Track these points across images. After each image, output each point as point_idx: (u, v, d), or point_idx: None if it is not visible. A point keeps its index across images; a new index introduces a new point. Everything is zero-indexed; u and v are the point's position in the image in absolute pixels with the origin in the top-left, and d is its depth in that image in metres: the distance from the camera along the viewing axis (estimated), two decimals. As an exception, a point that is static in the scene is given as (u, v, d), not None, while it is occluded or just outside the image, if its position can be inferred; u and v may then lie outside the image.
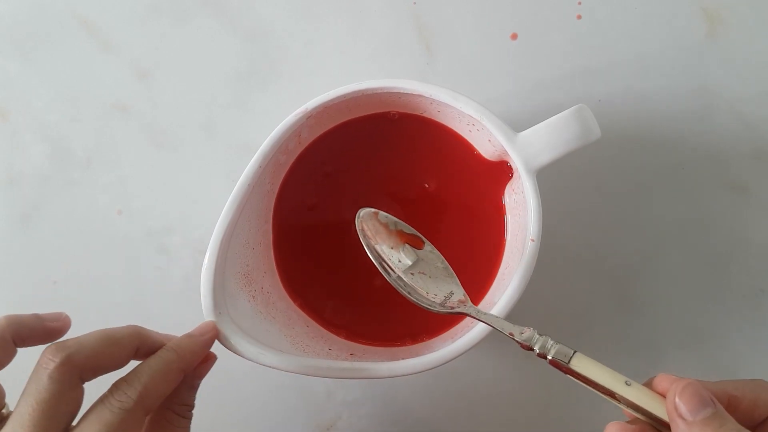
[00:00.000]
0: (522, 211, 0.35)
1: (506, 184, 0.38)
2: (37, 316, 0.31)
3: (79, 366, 0.27)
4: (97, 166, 0.45)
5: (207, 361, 0.32)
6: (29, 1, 0.46)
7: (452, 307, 0.32)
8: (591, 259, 0.43)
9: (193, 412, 0.32)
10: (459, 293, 0.33)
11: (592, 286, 0.43)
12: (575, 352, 0.28)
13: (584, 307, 0.43)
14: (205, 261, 0.33)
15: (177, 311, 0.44)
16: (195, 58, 0.45)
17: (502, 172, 0.38)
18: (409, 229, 0.34)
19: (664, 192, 0.43)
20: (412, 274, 0.33)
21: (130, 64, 0.45)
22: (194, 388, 0.32)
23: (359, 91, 0.35)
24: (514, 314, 0.32)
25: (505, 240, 0.38)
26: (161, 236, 0.44)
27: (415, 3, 0.44)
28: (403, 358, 0.33)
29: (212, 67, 0.45)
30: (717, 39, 0.43)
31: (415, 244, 0.34)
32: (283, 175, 0.39)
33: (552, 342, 0.29)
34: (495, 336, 0.32)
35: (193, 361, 0.31)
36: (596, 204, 0.43)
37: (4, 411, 0.29)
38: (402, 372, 0.32)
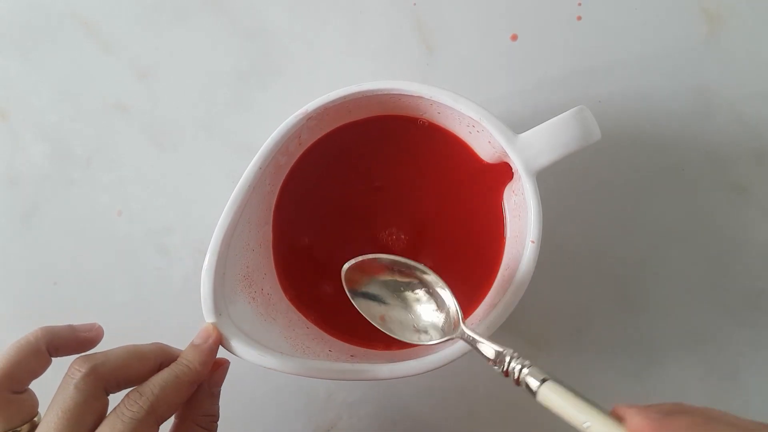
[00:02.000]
0: (522, 212, 0.35)
1: (506, 185, 0.38)
2: (70, 327, 0.32)
3: (104, 377, 0.29)
4: (97, 166, 0.45)
5: (219, 367, 0.33)
6: (29, 1, 0.46)
7: (446, 336, 0.32)
8: (591, 259, 0.43)
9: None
10: (451, 315, 0.33)
11: (592, 286, 0.43)
12: (544, 381, 0.27)
13: (584, 307, 0.43)
14: (206, 263, 0.33)
15: (177, 312, 0.44)
16: (195, 58, 0.45)
17: (502, 173, 0.37)
18: (398, 259, 0.34)
19: (664, 192, 0.43)
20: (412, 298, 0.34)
21: (130, 63, 0.45)
22: (215, 396, 0.33)
23: (360, 92, 0.35)
24: (514, 315, 0.32)
25: (505, 241, 0.38)
26: (161, 236, 0.44)
27: (415, 4, 0.44)
28: (403, 360, 0.33)
29: (212, 67, 0.45)
30: (717, 39, 0.43)
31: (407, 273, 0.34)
32: (283, 176, 0.39)
33: (526, 369, 0.28)
34: (496, 338, 0.32)
35: (203, 371, 0.31)
36: (596, 204, 0.43)
37: (36, 419, 0.30)
38: (402, 373, 0.32)
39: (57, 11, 0.46)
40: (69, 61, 0.46)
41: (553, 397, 0.26)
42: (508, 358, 0.28)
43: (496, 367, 0.29)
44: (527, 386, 0.27)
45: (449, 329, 0.32)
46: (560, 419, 0.42)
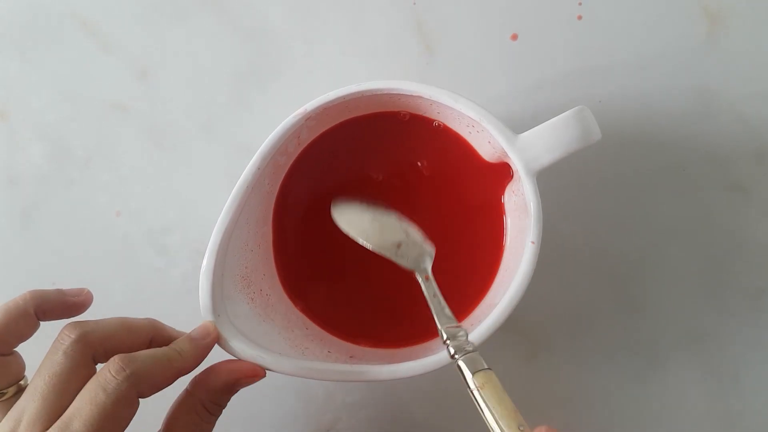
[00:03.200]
0: (522, 212, 0.35)
1: (506, 185, 0.38)
2: (59, 291, 0.32)
3: (93, 345, 0.29)
4: (97, 166, 0.45)
5: (255, 376, 0.32)
6: (29, 0, 0.46)
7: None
8: (591, 260, 0.43)
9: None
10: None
11: (592, 286, 0.43)
12: (487, 369, 0.27)
13: (584, 307, 0.43)
14: (204, 263, 0.33)
15: (176, 312, 0.43)
16: (194, 57, 0.45)
17: (502, 173, 0.37)
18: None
19: (665, 192, 0.43)
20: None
21: (129, 63, 0.45)
22: (232, 392, 0.32)
23: (359, 92, 0.35)
24: (514, 315, 0.32)
25: (504, 242, 0.38)
26: (160, 237, 0.44)
27: (415, 3, 0.44)
28: (403, 361, 0.33)
29: (212, 67, 0.45)
30: (718, 39, 0.43)
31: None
32: (282, 176, 0.39)
33: (470, 349, 0.27)
34: (495, 339, 0.32)
35: (192, 365, 0.31)
36: (596, 204, 0.43)
37: (22, 383, 0.30)
38: (402, 374, 0.32)
39: (57, 11, 0.46)
40: (69, 60, 0.46)
41: (492, 391, 0.26)
42: (455, 332, 0.28)
43: (438, 327, 0.29)
44: (462, 369, 0.27)
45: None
46: (562, 419, 0.42)
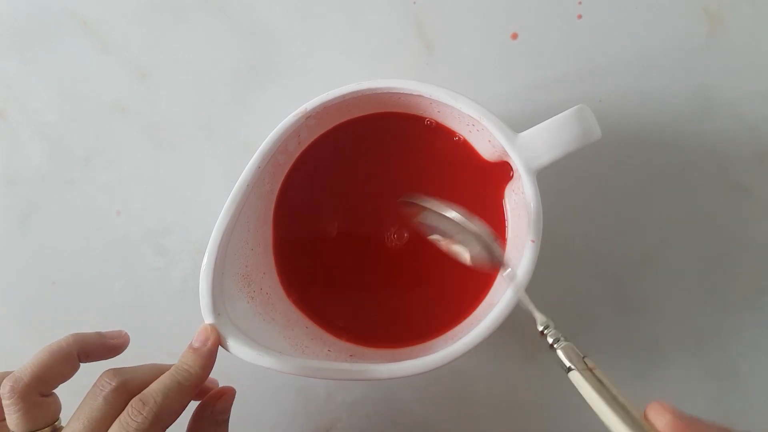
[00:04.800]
0: (522, 211, 0.35)
1: (506, 184, 0.38)
2: (99, 334, 0.33)
3: (131, 392, 0.30)
4: (96, 166, 0.45)
5: (224, 395, 0.33)
6: (29, 0, 0.46)
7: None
8: (591, 259, 0.43)
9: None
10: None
11: (592, 286, 0.43)
12: (584, 358, 0.28)
13: (584, 307, 0.43)
14: (204, 261, 0.33)
15: (176, 312, 0.44)
16: (194, 57, 0.45)
17: (502, 172, 0.37)
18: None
19: (665, 192, 0.43)
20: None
21: (128, 63, 0.45)
22: (221, 424, 0.33)
23: (359, 91, 0.35)
24: (514, 315, 0.32)
25: (505, 241, 0.38)
26: (160, 237, 0.44)
27: (415, 2, 0.44)
28: (403, 360, 0.32)
29: (211, 67, 0.45)
30: (718, 39, 0.43)
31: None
32: (282, 176, 0.38)
33: (564, 341, 0.29)
34: (495, 338, 0.32)
35: (203, 375, 0.31)
36: (596, 204, 0.43)
37: (57, 424, 0.31)
38: (402, 373, 0.32)
39: (55, 10, 0.46)
40: (67, 60, 0.46)
41: (582, 384, 0.27)
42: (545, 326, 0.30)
43: (540, 328, 0.30)
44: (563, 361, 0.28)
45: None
46: (562, 419, 0.42)
